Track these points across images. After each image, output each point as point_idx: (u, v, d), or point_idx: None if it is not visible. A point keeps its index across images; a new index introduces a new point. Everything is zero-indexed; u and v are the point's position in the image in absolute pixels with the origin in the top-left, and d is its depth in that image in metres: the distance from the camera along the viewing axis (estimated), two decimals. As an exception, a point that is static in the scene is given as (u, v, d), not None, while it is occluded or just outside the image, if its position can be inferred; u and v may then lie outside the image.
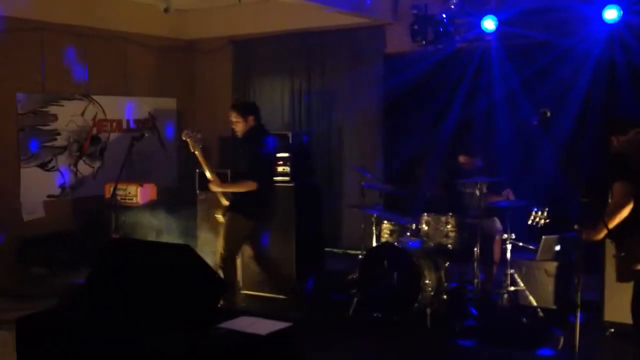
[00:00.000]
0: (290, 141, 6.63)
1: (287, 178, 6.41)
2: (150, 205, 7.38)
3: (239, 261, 6.62)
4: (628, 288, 4.95)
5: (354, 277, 5.99)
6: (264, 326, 2.89)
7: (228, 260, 5.64)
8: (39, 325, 3.09)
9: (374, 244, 6.07)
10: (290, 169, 6.40)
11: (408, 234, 5.91)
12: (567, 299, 5.56)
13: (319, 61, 8.44)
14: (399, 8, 7.74)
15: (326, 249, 7.34)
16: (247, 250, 5.79)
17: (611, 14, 6.10)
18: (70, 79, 8.00)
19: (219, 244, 5.65)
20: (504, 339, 5.14)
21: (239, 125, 5.63)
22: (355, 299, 5.79)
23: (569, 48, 6.57)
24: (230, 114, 5.69)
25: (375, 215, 6.17)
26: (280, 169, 6.43)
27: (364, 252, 5.99)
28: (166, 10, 7.56)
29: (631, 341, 4.37)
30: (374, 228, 6.16)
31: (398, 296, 5.53)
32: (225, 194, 5.69)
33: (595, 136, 6.52)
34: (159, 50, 8.99)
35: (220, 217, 5.74)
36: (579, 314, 3.89)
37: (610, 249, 4.37)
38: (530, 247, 5.78)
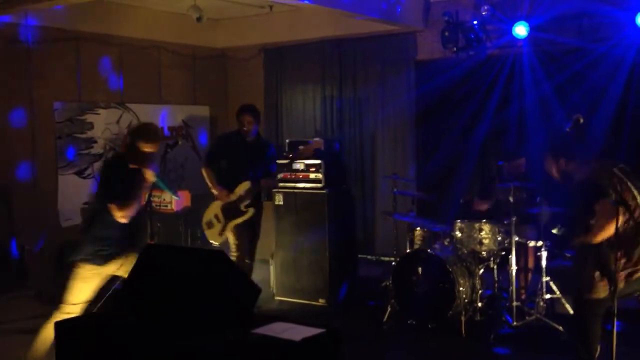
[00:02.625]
0: (323, 148, 6.66)
1: (319, 185, 6.44)
2: (185, 212, 7.47)
3: (272, 268, 6.70)
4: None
5: (388, 284, 5.99)
6: (298, 332, 2.91)
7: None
8: (78, 330, 3.15)
9: (407, 250, 6.06)
10: (323, 175, 6.43)
11: (445, 242, 5.89)
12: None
13: (351, 68, 8.47)
14: (430, 15, 7.74)
15: (359, 255, 7.35)
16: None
17: (646, 19, 6.04)
18: (105, 88, 8.15)
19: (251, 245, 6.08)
20: (540, 348, 5.09)
21: (250, 127, 6.03)
22: (390, 306, 5.79)
23: (602, 54, 6.51)
24: (248, 117, 6.03)
25: (407, 222, 6.17)
26: (312, 175, 6.48)
27: (397, 259, 5.99)
28: (199, 19, 7.65)
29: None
30: (407, 235, 6.16)
31: (432, 303, 5.52)
32: (242, 197, 5.99)
33: (630, 141, 6.45)
34: (192, 58, 9.11)
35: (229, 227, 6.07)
36: (616, 323, 3.84)
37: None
38: (567, 254, 5.72)
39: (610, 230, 3.92)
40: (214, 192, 6.07)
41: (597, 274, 4.05)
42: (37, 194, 7.44)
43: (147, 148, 4.43)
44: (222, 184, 6.04)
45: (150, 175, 4.48)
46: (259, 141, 6.12)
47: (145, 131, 4.51)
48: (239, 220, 5.99)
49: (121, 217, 4.38)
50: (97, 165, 8.01)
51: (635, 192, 4.09)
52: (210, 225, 6.11)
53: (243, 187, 5.96)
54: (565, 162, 4.28)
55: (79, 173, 7.88)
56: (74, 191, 7.81)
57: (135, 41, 8.34)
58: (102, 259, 4.41)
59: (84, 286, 4.37)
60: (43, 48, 7.43)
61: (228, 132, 6.36)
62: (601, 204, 3.94)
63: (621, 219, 3.88)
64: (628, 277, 4.06)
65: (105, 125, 8.10)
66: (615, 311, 3.84)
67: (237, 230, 6.03)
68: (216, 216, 6.08)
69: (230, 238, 6.04)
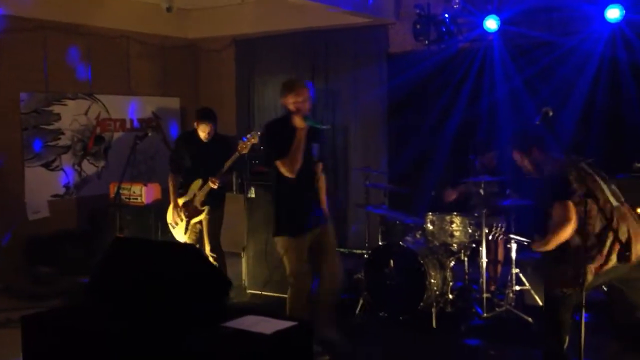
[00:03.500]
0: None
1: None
2: (155, 204, 7.40)
3: (243, 261, 6.67)
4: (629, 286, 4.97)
5: (360, 276, 6.00)
6: (269, 325, 2.89)
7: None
8: (45, 324, 3.10)
9: (380, 243, 6.07)
10: (295, 168, 6.40)
11: (417, 234, 5.92)
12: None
13: (323, 60, 8.45)
14: (402, 8, 7.75)
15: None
16: (207, 245, 6.07)
17: (613, 13, 6.11)
18: (73, 78, 8.02)
19: (211, 241, 6.03)
20: (509, 338, 5.15)
21: (211, 134, 5.97)
22: (361, 299, 5.80)
23: (572, 47, 6.57)
24: (207, 125, 5.92)
25: (380, 214, 6.17)
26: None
27: (369, 252, 6.00)
28: (169, 9, 7.57)
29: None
30: (379, 227, 6.17)
31: (403, 296, 5.54)
32: (196, 196, 5.96)
33: (598, 134, 6.54)
34: (162, 49, 9.00)
35: (181, 223, 6.04)
36: (584, 314, 3.90)
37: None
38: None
39: (564, 237, 3.98)
40: (172, 200, 6.12)
41: (568, 270, 4.11)
42: (3, 187, 7.30)
43: (291, 99, 4.77)
44: (186, 183, 6.09)
45: (299, 122, 4.66)
46: (215, 139, 6.01)
47: (285, 84, 4.94)
48: (198, 218, 5.99)
49: (287, 172, 4.65)
50: (65, 157, 7.89)
51: (604, 186, 4.16)
52: (175, 223, 6.10)
53: (196, 186, 5.94)
54: (538, 153, 4.33)
55: (46, 165, 7.74)
56: (41, 184, 7.68)
57: (104, 31, 8.22)
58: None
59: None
60: (9, 38, 7.28)
61: (186, 132, 6.26)
62: (561, 205, 3.97)
63: (592, 218, 3.97)
64: (598, 270, 4.13)
65: (73, 116, 7.97)
66: (584, 302, 3.89)
67: (201, 227, 6.05)
68: (179, 216, 6.06)
69: (194, 236, 6.05)
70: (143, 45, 8.73)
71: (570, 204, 3.98)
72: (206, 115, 5.97)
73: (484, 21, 6.71)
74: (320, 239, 4.89)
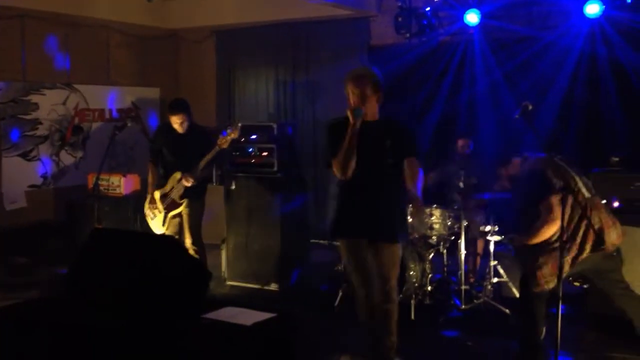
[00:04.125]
0: (275, 132, 6.62)
1: (272, 169, 6.41)
2: (134, 196, 7.35)
3: (223, 252, 6.65)
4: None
5: (340, 268, 6.01)
6: (249, 317, 2.90)
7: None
8: (22, 315, 3.07)
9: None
10: (275, 160, 6.40)
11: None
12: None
13: (304, 52, 8.42)
14: (384, 0, 7.75)
15: (312, 240, 7.35)
16: (188, 238, 5.98)
17: (593, 8, 6.16)
18: (51, 68, 7.92)
19: (192, 233, 5.93)
20: (487, 330, 5.19)
21: (186, 124, 5.86)
22: (341, 291, 5.81)
23: (551, 42, 6.62)
24: (177, 116, 5.82)
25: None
26: (265, 160, 6.44)
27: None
28: (149, -1, 7.51)
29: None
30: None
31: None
32: (174, 189, 5.90)
33: (576, 128, 6.60)
34: (142, 39, 8.92)
35: (159, 216, 5.98)
36: (561, 306, 3.95)
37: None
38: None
39: (548, 234, 4.15)
40: (149, 190, 6.06)
41: (545, 266, 4.21)
42: (-20, 177, 7.22)
43: (349, 89, 4.19)
44: (165, 175, 6.04)
45: (350, 114, 4.05)
46: (192, 131, 5.94)
47: (350, 70, 4.32)
48: (176, 211, 5.94)
49: (338, 174, 4.11)
50: (43, 147, 7.80)
51: (577, 178, 4.30)
52: (153, 215, 6.04)
53: (174, 179, 5.90)
54: (505, 169, 4.65)
55: (24, 155, 7.66)
56: (19, 174, 7.60)
57: (84, 20, 8.12)
58: None
59: None
60: (-14, 26, 7.18)
61: (164, 123, 6.18)
62: (546, 203, 4.10)
63: (568, 209, 4.06)
64: (574, 260, 4.21)
65: (51, 106, 7.88)
66: (561, 295, 3.95)
67: (181, 220, 6.00)
68: (156, 207, 6.01)
69: (174, 228, 6.00)
70: (123, 35, 8.65)
71: (555, 201, 4.09)
72: (175, 107, 5.88)
73: (465, 15, 6.73)
74: (376, 258, 4.19)
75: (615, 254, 4.47)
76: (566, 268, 4.15)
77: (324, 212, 8.34)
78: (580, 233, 4.11)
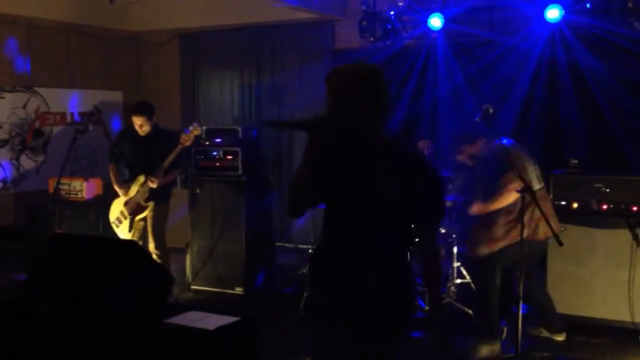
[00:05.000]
0: (240, 135, 6.61)
1: (236, 172, 6.39)
2: (96, 200, 7.25)
3: (188, 256, 6.61)
4: (570, 281, 5.18)
5: (304, 271, 6.02)
6: (212, 321, 2.88)
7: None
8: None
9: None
10: (240, 163, 6.38)
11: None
12: (510, 291, 5.70)
13: (269, 56, 8.42)
14: (348, 4, 7.79)
15: (277, 243, 7.34)
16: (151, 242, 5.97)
17: (553, 13, 6.27)
18: (11, 70, 7.79)
19: (155, 237, 5.90)
20: (451, 331, 5.24)
21: (146, 127, 5.81)
22: (306, 294, 5.81)
23: (512, 46, 6.72)
24: (137, 117, 5.80)
25: (324, 209, 6.19)
26: (229, 163, 6.42)
27: (314, 247, 6.01)
28: (111, 1, 7.42)
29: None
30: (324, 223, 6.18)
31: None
32: (140, 192, 5.86)
33: (536, 131, 6.71)
34: (104, 42, 8.82)
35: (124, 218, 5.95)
36: (521, 306, 4.02)
37: (552, 243, 4.57)
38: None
39: (507, 200, 4.51)
40: (116, 189, 6.00)
41: (494, 231, 4.63)
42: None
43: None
44: (127, 180, 6.00)
45: None
46: (155, 134, 5.91)
47: None
48: (142, 215, 5.90)
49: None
50: (2, 151, 7.65)
51: (530, 169, 4.66)
52: (119, 222, 5.99)
53: (138, 182, 5.86)
54: (481, 142, 4.77)
55: (-17, 159, 7.52)
56: (-23, 178, 7.45)
57: (44, 22, 8.00)
58: None
59: None
60: (-58, 27, 7.02)
61: (127, 127, 6.13)
62: (505, 178, 4.45)
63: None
64: (514, 238, 4.53)
65: (10, 109, 7.74)
66: (521, 294, 4.02)
67: (145, 223, 5.96)
68: (122, 213, 5.96)
69: (138, 233, 5.95)
70: (85, 37, 8.54)
71: (511, 178, 4.42)
72: (137, 108, 5.85)
73: (429, 19, 6.80)
74: None
75: (546, 244, 4.87)
76: (502, 243, 4.62)
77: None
78: (525, 219, 4.34)
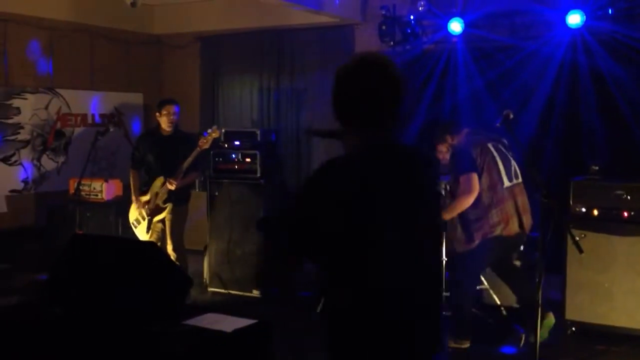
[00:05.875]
0: (259, 139, 6.63)
1: (255, 175, 6.41)
2: (116, 201, 7.31)
3: (205, 259, 6.63)
4: (589, 288, 5.13)
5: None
6: (229, 323, 2.89)
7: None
8: (0, 321, 3.04)
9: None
10: (258, 166, 6.40)
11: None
12: (529, 298, 5.66)
13: (289, 59, 8.44)
14: (368, 8, 7.79)
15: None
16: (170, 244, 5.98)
17: (574, 18, 6.22)
18: (34, 72, 7.87)
19: (173, 239, 5.92)
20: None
21: (174, 119, 5.93)
22: (323, 297, 5.80)
23: (533, 51, 6.67)
24: (173, 106, 5.93)
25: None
26: (248, 166, 6.44)
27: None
28: (133, 4, 7.46)
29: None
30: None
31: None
32: (158, 194, 5.89)
33: (557, 137, 6.66)
34: (125, 44, 8.89)
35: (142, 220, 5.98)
36: (540, 313, 3.98)
37: (572, 250, 4.53)
38: None
39: (466, 205, 4.59)
40: (132, 198, 6.08)
41: (465, 232, 4.75)
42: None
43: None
44: (147, 182, 6.06)
45: None
46: (176, 135, 5.98)
47: None
48: (160, 216, 5.93)
49: None
50: (24, 152, 7.74)
51: (501, 166, 4.73)
52: (137, 222, 6.04)
53: (157, 184, 5.90)
54: (451, 137, 4.89)
55: (5, 160, 7.59)
56: (0, 178, 7.53)
57: (67, 25, 8.08)
58: None
59: None
60: (-33, 29, 7.13)
61: (148, 129, 6.18)
62: (467, 177, 4.55)
63: (485, 186, 4.63)
64: (485, 235, 4.69)
65: (33, 110, 7.83)
66: (540, 302, 3.99)
67: (164, 225, 5.99)
68: (140, 214, 6.01)
69: (157, 234, 5.98)
70: (106, 39, 8.62)
71: (475, 176, 4.52)
72: (169, 99, 5.99)
73: (449, 24, 6.78)
74: None
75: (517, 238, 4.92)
76: (477, 242, 4.70)
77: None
78: (494, 216, 4.57)
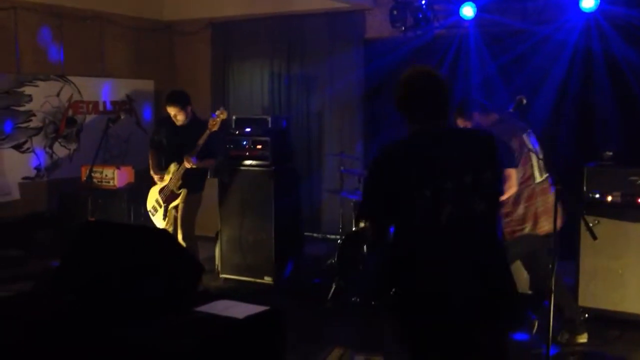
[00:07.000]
0: (270, 125, 6.62)
1: (266, 162, 6.40)
2: (128, 188, 7.33)
3: (217, 245, 6.65)
4: (603, 274, 5.10)
5: (333, 261, 6.02)
6: (241, 310, 2.89)
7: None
8: (14, 309, 3.06)
9: (353, 228, 6.09)
10: (270, 153, 6.39)
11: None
12: (542, 285, 5.63)
13: (299, 45, 8.40)
14: (379, -7, 7.74)
15: (305, 233, 7.36)
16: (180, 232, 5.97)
17: (588, 2, 6.15)
18: (45, 59, 7.88)
19: (184, 227, 5.89)
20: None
21: (180, 117, 5.85)
22: (334, 284, 5.82)
23: (546, 36, 6.61)
24: (170, 108, 5.85)
25: (354, 200, 6.19)
26: (259, 153, 6.43)
27: (343, 237, 6.01)
28: (144, -9, 7.47)
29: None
30: (353, 213, 6.18)
31: (376, 281, 5.57)
32: (172, 180, 5.91)
33: (570, 123, 6.60)
34: (136, 31, 8.88)
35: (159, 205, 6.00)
36: (553, 299, 3.96)
37: (585, 236, 4.51)
38: None
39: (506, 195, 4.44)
40: (152, 175, 6.08)
41: None
42: (-27, 169, 7.19)
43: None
44: (164, 166, 6.04)
45: None
46: (192, 123, 5.94)
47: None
48: (175, 202, 5.93)
49: None
50: (36, 139, 7.77)
51: (534, 161, 4.58)
52: (154, 210, 6.05)
53: (171, 170, 5.90)
54: (480, 117, 4.69)
55: (17, 147, 7.62)
56: (12, 165, 7.56)
57: (77, 12, 8.08)
58: None
59: None
60: (-22, 17, 7.13)
61: (167, 114, 6.17)
62: (507, 173, 4.37)
63: (520, 181, 4.48)
64: (512, 234, 4.57)
65: (44, 98, 7.84)
66: (553, 288, 3.96)
67: (176, 213, 5.99)
68: (157, 201, 6.02)
69: (171, 221, 5.99)
70: (117, 26, 8.61)
71: (514, 173, 4.38)
72: (170, 98, 5.90)
73: (460, 8, 6.72)
74: None
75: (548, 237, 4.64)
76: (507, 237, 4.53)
77: (318, 205, 8.36)
78: (522, 212, 4.44)
